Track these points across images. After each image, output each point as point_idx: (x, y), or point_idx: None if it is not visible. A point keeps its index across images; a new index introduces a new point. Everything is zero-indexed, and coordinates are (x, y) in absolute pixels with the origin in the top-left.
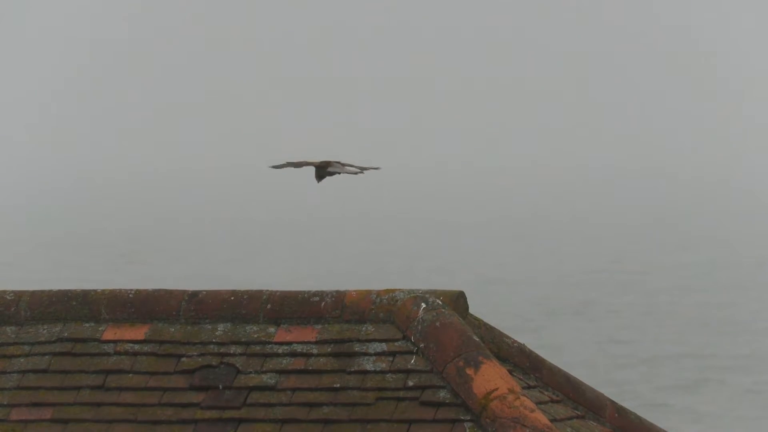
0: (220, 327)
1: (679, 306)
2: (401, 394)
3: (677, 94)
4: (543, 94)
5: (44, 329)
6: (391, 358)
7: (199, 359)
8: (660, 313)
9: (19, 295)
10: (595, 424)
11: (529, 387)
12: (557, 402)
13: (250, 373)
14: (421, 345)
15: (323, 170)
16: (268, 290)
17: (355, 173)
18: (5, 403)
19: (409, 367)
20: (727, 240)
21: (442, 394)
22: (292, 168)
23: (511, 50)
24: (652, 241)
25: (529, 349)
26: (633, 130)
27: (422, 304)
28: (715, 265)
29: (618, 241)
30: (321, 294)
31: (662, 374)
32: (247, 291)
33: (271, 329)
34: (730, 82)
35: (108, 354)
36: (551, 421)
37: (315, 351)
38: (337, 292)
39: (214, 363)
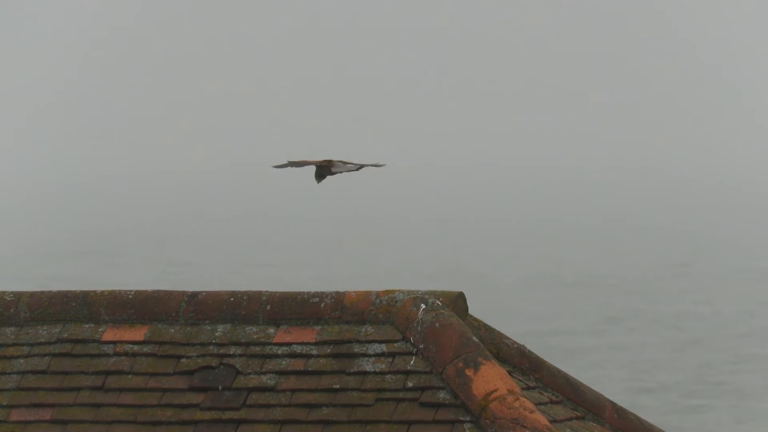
0: (220, 328)
1: (678, 308)
2: (401, 395)
3: (678, 94)
4: (543, 93)
5: (44, 330)
6: (390, 359)
7: (199, 360)
8: (654, 318)
9: (18, 295)
10: (594, 425)
11: (528, 388)
12: (557, 403)
13: (250, 374)
14: (421, 346)
15: (324, 170)
16: (267, 291)
17: (355, 169)
18: (5, 404)
19: (408, 368)
20: (728, 241)
21: (442, 395)
22: (294, 168)
23: (511, 50)
24: (653, 242)
25: (528, 350)
26: (633, 131)
27: (422, 305)
28: (714, 266)
29: (619, 242)
30: (320, 295)
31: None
32: (246, 292)
33: (271, 330)
34: (731, 82)
35: (107, 355)
36: (551, 422)
37: (314, 352)
38: (337, 293)
39: (213, 364)
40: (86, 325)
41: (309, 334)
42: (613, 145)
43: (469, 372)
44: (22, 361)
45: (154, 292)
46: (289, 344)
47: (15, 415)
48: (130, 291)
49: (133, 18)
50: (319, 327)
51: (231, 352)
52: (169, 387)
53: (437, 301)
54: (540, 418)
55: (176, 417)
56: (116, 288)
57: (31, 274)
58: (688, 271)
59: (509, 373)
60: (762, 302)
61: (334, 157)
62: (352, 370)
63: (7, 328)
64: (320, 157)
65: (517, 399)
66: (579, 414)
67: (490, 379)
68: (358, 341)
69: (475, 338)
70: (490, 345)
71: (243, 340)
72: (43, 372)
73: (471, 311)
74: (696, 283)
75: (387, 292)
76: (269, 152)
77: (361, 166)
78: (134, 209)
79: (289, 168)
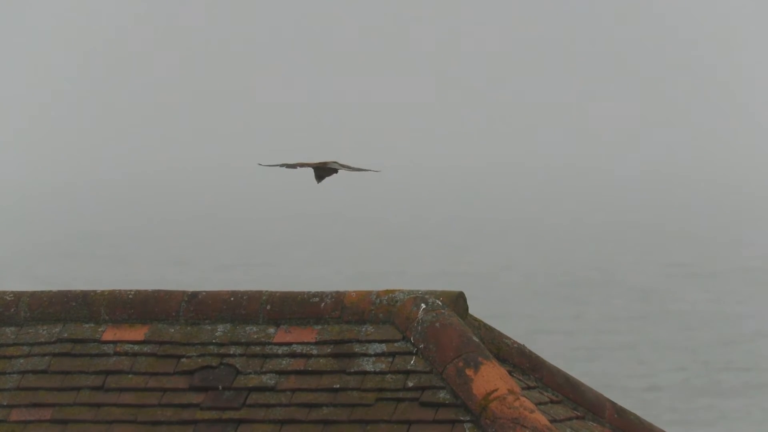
0: (220, 328)
1: (680, 308)
2: (401, 394)
3: (677, 94)
4: (543, 94)
5: (44, 330)
6: (390, 359)
7: (199, 360)
8: (655, 317)
9: (18, 295)
10: (594, 424)
11: (528, 388)
12: (557, 403)
13: (250, 373)
14: (421, 346)
15: (323, 170)
16: (267, 291)
17: (354, 170)
18: (5, 403)
19: (408, 367)
20: (728, 241)
21: (442, 395)
22: (285, 168)
23: (511, 50)
24: (650, 242)
25: (528, 350)
26: (634, 132)
27: (422, 304)
28: (715, 266)
29: (619, 242)
30: (321, 295)
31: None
32: (246, 292)
33: (271, 330)
34: (731, 82)
35: (108, 355)
36: (551, 421)
37: (315, 352)
38: (337, 292)
39: (213, 364)
40: (86, 325)
41: (309, 334)
42: (614, 145)
43: (469, 372)
44: (22, 360)
45: (154, 292)
46: (289, 344)
47: (15, 415)
48: (130, 291)
49: (133, 18)
50: (320, 327)
51: (231, 352)
52: (170, 387)
53: (437, 301)
54: (540, 418)
55: (176, 417)
56: (116, 288)
57: (31, 274)
58: (689, 271)
59: (509, 372)
60: (764, 301)
61: (330, 159)
62: (353, 370)
63: (7, 327)
64: (319, 159)
65: (518, 399)
66: (579, 414)
67: (491, 378)
68: (359, 341)
69: (475, 338)
70: (490, 345)
71: (243, 340)
72: (43, 372)
73: (471, 311)
74: (697, 283)
75: (387, 291)
76: (269, 152)
77: (358, 170)
78: (134, 209)
79: (283, 168)
